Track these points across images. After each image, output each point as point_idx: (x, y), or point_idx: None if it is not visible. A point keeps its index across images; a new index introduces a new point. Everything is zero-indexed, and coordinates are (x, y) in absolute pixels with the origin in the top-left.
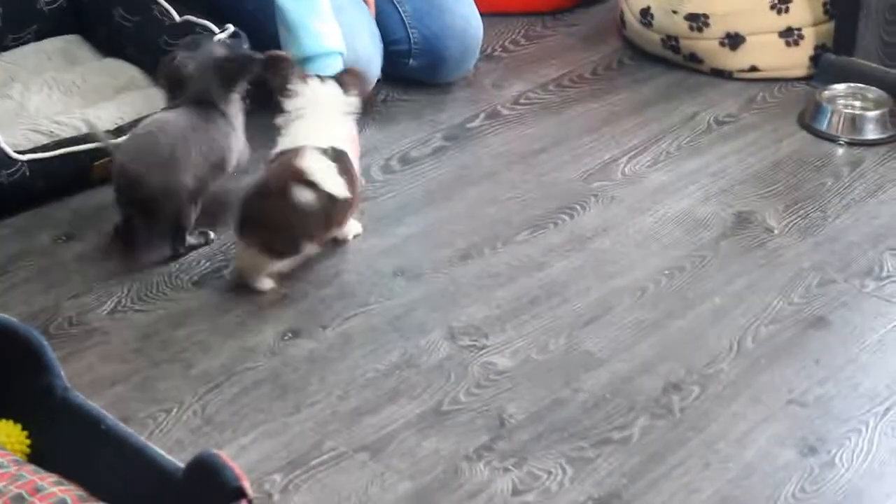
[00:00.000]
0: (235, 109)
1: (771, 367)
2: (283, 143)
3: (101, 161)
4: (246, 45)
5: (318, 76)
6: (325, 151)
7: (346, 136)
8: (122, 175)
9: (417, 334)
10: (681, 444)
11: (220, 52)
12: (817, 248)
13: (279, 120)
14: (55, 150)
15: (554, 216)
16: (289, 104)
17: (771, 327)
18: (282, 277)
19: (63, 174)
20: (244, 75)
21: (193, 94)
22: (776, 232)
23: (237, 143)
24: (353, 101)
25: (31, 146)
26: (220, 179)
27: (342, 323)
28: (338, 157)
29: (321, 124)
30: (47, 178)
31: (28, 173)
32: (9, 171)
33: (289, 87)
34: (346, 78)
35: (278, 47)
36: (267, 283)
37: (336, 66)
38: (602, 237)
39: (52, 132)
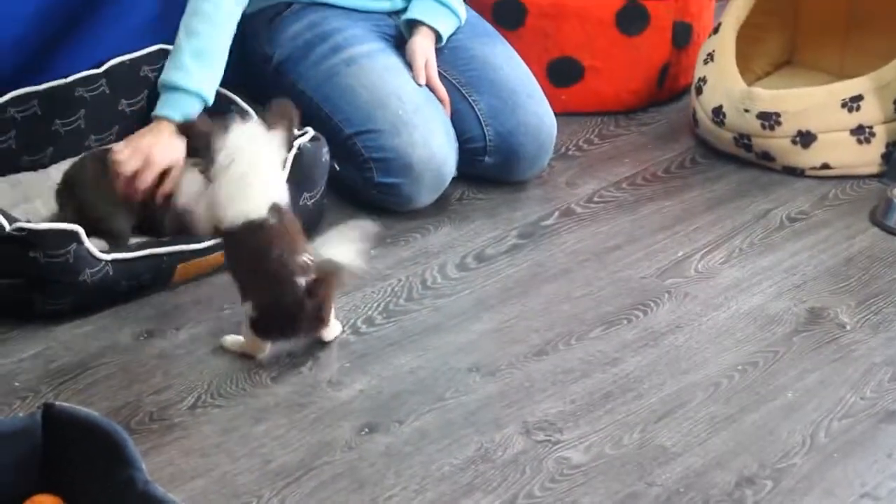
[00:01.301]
0: None
1: (844, 461)
2: (218, 193)
3: (184, 264)
4: (325, 149)
5: (239, 117)
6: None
7: (281, 182)
8: None
9: (492, 429)
10: None
11: None
12: (889, 344)
13: (210, 172)
14: (138, 251)
15: (628, 312)
16: (218, 157)
17: (843, 422)
18: (358, 373)
19: (145, 275)
20: None
21: None
22: (848, 327)
23: None
24: (279, 138)
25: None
26: None
27: (418, 418)
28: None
29: (254, 179)
30: (129, 279)
31: (111, 273)
32: (93, 271)
33: (212, 148)
34: (269, 116)
35: (352, 150)
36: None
37: (191, 108)
38: (675, 333)
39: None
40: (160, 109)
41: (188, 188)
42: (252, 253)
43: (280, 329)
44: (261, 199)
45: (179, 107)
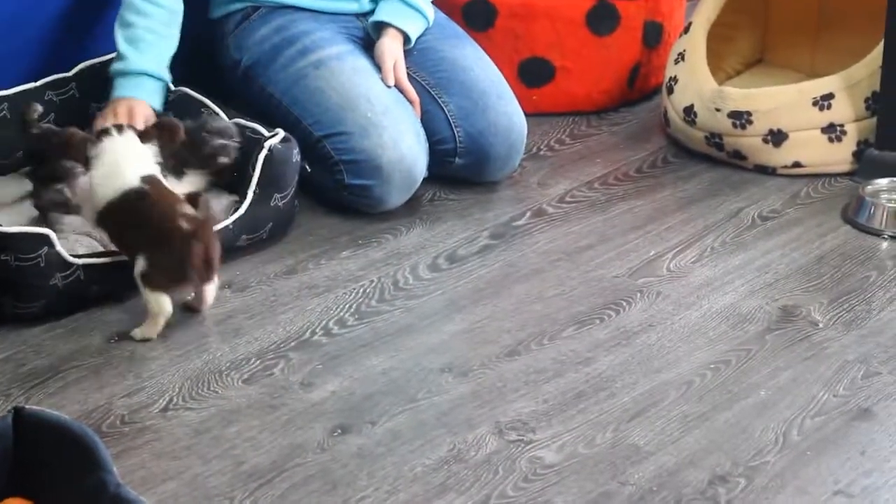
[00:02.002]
0: None
1: (817, 458)
2: (95, 179)
3: None
4: (296, 150)
5: (116, 128)
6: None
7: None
8: None
9: (465, 429)
10: None
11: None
12: (862, 341)
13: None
14: (111, 256)
15: (600, 312)
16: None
17: (816, 419)
18: (330, 375)
19: (118, 279)
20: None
21: None
22: (821, 325)
23: None
24: (152, 151)
25: (85, 251)
26: None
27: (390, 419)
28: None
29: (125, 162)
30: (102, 283)
31: (83, 277)
32: (63, 275)
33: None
34: (151, 130)
35: (321, 153)
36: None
37: (145, 87)
38: (648, 332)
39: (103, 237)
40: (116, 93)
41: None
42: (135, 214)
43: (173, 275)
44: (133, 174)
45: (130, 88)
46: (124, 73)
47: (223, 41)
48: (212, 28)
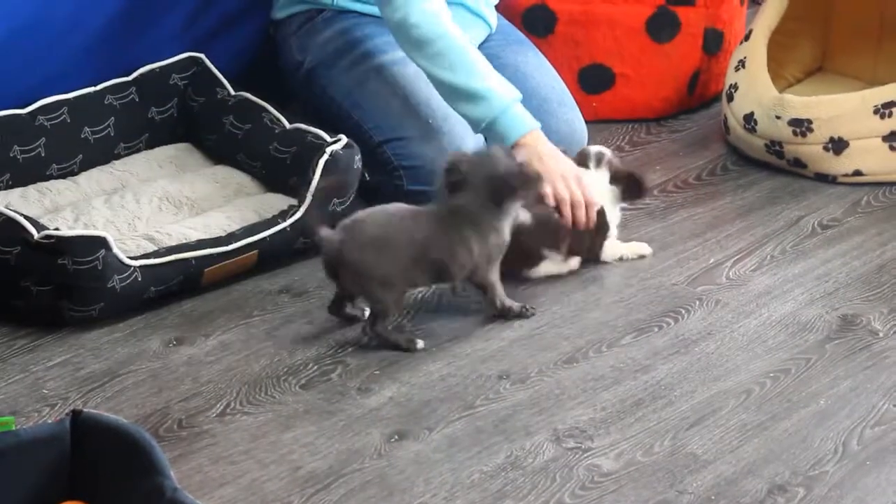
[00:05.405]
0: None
1: (877, 468)
2: None
3: (212, 267)
4: (358, 157)
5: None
6: None
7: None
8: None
9: (523, 436)
10: None
11: (498, 166)
12: None
13: None
14: (166, 256)
15: (658, 320)
16: None
17: (876, 429)
18: (388, 380)
19: (174, 280)
20: (514, 196)
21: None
22: (881, 335)
23: (468, 256)
24: (614, 190)
25: (142, 252)
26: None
27: (448, 425)
28: None
29: None
30: (158, 284)
31: (140, 278)
32: (121, 277)
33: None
34: (620, 174)
35: (381, 158)
36: None
37: (519, 113)
38: (706, 340)
39: (161, 240)
40: (511, 136)
41: None
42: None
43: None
44: None
45: (515, 121)
46: (498, 116)
47: (286, 42)
48: (273, 29)
